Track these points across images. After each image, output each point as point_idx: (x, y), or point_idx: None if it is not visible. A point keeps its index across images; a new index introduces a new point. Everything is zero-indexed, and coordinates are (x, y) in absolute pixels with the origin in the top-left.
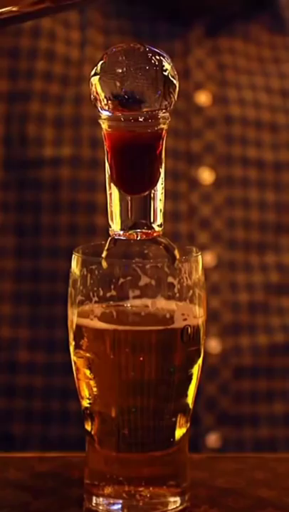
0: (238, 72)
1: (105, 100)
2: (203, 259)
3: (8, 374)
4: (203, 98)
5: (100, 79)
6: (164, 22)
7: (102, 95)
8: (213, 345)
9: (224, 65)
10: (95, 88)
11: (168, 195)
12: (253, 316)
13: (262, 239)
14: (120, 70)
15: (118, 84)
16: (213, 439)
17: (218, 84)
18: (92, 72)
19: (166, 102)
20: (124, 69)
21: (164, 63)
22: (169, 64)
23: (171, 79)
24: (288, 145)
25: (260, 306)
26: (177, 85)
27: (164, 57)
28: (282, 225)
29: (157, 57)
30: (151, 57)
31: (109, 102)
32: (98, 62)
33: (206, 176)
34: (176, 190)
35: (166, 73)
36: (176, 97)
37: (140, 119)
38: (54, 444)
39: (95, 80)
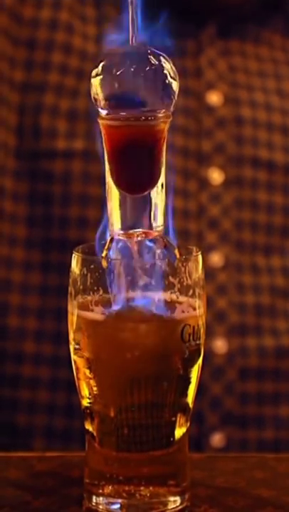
0: (248, 74)
1: (105, 100)
2: (211, 259)
3: (14, 365)
4: (214, 98)
5: (100, 80)
6: (177, 20)
7: (102, 95)
8: (220, 345)
9: (235, 67)
10: (96, 89)
11: (178, 192)
12: (260, 318)
13: (268, 241)
14: (121, 71)
15: (119, 84)
16: (217, 439)
17: (230, 85)
18: (93, 73)
19: (166, 102)
20: (125, 69)
21: (164, 64)
22: (169, 64)
23: (171, 79)
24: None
25: (266, 308)
26: (177, 85)
27: (163, 57)
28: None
29: (157, 57)
30: (151, 57)
31: (110, 102)
32: (99, 63)
33: (216, 176)
34: (186, 189)
35: (166, 73)
36: (176, 97)
37: (140, 119)
38: (57, 436)
39: (95, 80)
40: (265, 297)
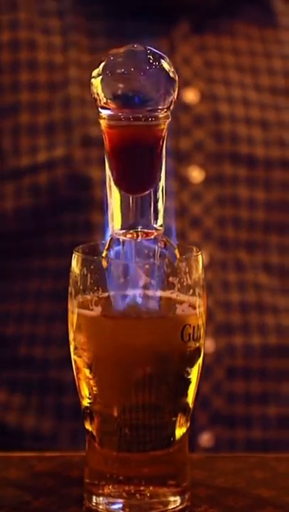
0: (225, 69)
1: (106, 100)
2: None
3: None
4: (190, 95)
5: (102, 80)
6: (149, 20)
7: (102, 95)
8: (207, 344)
9: (211, 63)
10: (96, 89)
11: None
12: (246, 315)
13: (251, 238)
14: (122, 71)
15: (120, 84)
16: (205, 439)
17: (206, 82)
18: (94, 73)
19: (167, 102)
20: (126, 70)
21: (164, 64)
22: (169, 64)
23: (171, 79)
24: (279, 142)
25: (252, 305)
26: (177, 85)
27: (163, 58)
28: (271, 223)
29: (157, 57)
30: (151, 57)
31: (111, 102)
32: (99, 64)
33: (196, 174)
34: (167, 189)
35: (166, 73)
36: (176, 96)
37: (140, 119)
38: (47, 438)
39: (96, 80)
40: (250, 294)
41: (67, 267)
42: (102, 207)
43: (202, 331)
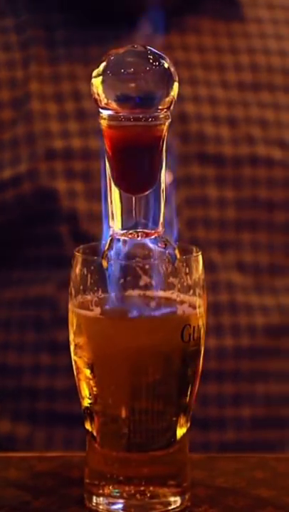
0: (191, 68)
1: (106, 100)
2: None
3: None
4: None
5: (102, 80)
6: (111, 26)
7: (103, 96)
8: None
9: (177, 62)
10: (97, 89)
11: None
12: (219, 317)
13: (222, 237)
14: (122, 71)
15: (121, 85)
16: None
17: None
18: (94, 73)
19: (167, 102)
20: (126, 70)
21: (164, 64)
22: (168, 64)
23: (171, 80)
24: (248, 139)
25: (225, 306)
26: (177, 86)
27: (163, 58)
28: (243, 221)
29: (157, 57)
30: (151, 57)
31: (111, 102)
32: (100, 64)
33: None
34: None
35: (166, 74)
36: (175, 96)
37: (141, 119)
38: (39, 445)
39: (96, 80)
40: (223, 295)
41: (44, 277)
42: (70, 218)
43: (202, 331)
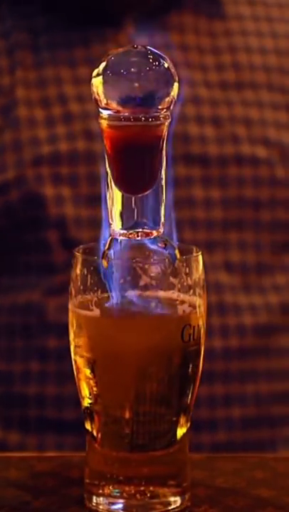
0: (175, 67)
1: (106, 100)
2: None
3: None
4: None
5: (102, 80)
6: (96, 27)
7: (103, 96)
8: None
9: None
10: (97, 89)
11: (89, 199)
12: (208, 318)
13: (209, 237)
14: (122, 71)
15: (121, 85)
16: None
17: None
18: (94, 73)
19: (167, 102)
20: (126, 70)
21: (164, 64)
22: (169, 64)
23: (171, 80)
24: (233, 138)
25: (213, 307)
26: (177, 86)
27: (163, 58)
28: (230, 221)
29: (157, 57)
30: (152, 57)
31: (111, 102)
32: (100, 64)
33: None
34: (96, 194)
35: (166, 74)
36: (176, 96)
37: (141, 119)
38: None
39: (96, 80)
40: (211, 295)
41: (33, 284)
42: (58, 225)
43: (202, 331)
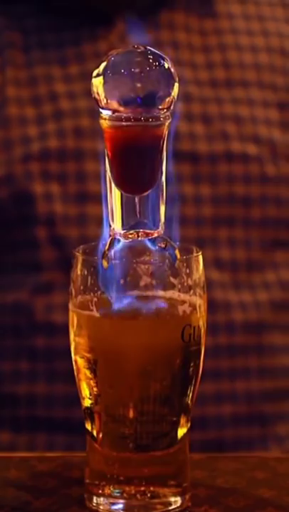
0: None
1: (106, 100)
2: None
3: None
4: None
5: (102, 80)
6: (87, 26)
7: (103, 96)
8: None
9: None
10: (97, 89)
11: (78, 197)
12: None
13: (199, 234)
14: (122, 71)
15: (121, 85)
16: None
17: None
18: (94, 73)
19: (167, 102)
20: (127, 70)
21: (165, 64)
22: (169, 64)
23: (172, 80)
24: (223, 136)
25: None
26: (177, 86)
27: (163, 58)
28: (220, 218)
29: (157, 58)
30: (151, 58)
31: (112, 102)
32: (100, 64)
33: None
34: (85, 192)
35: (166, 74)
36: (176, 96)
37: (141, 120)
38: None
39: (96, 80)
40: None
41: (20, 283)
42: (46, 222)
43: (203, 331)
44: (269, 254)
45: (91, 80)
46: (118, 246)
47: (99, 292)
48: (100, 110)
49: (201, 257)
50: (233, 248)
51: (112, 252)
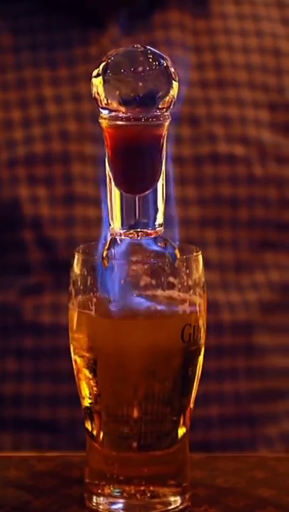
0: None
1: (106, 100)
2: None
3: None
4: None
5: (102, 80)
6: (78, 29)
7: (103, 96)
8: None
9: None
10: (97, 89)
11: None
12: None
13: (186, 236)
14: (122, 71)
15: (121, 85)
16: None
17: None
18: (94, 73)
19: (167, 102)
20: (126, 70)
21: (165, 64)
22: (169, 64)
23: (172, 79)
24: (209, 137)
25: None
26: (177, 86)
27: (163, 58)
28: (207, 220)
29: (157, 57)
30: (151, 57)
31: (111, 102)
32: (100, 64)
33: None
34: (72, 194)
35: (166, 74)
36: (175, 96)
37: (141, 119)
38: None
39: (96, 80)
40: None
41: (8, 284)
42: (33, 225)
43: (202, 331)
44: (258, 255)
45: (79, 83)
46: (118, 246)
47: (99, 292)
48: (100, 110)
49: (200, 257)
50: (221, 249)
51: (112, 252)
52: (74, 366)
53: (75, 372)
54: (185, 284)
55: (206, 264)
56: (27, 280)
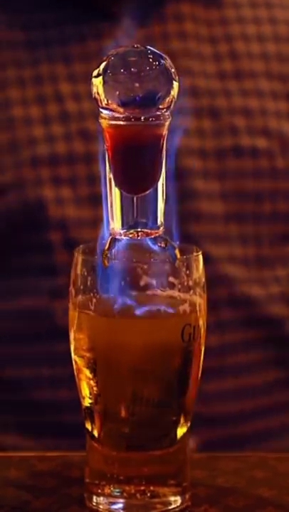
0: (174, 57)
1: (106, 100)
2: None
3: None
4: None
5: (102, 80)
6: (91, 22)
7: (103, 95)
8: None
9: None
10: (97, 89)
11: (90, 199)
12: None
13: (212, 231)
14: (122, 71)
15: (121, 85)
16: None
17: None
18: (94, 73)
19: (167, 102)
20: (127, 70)
21: (165, 63)
22: (169, 64)
23: (172, 79)
24: (231, 130)
25: None
26: (177, 85)
27: (163, 57)
28: (230, 214)
29: (157, 57)
30: (152, 57)
31: (112, 102)
32: (100, 64)
33: None
34: (97, 194)
35: (166, 73)
36: (176, 96)
37: (141, 119)
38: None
39: (96, 80)
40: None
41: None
42: (59, 226)
43: (202, 330)
44: (279, 248)
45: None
46: (118, 246)
47: (99, 292)
48: (100, 110)
49: (200, 257)
50: (244, 244)
51: (112, 251)
52: (74, 366)
53: (75, 373)
54: (185, 284)
55: (231, 259)
56: (54, 282)
